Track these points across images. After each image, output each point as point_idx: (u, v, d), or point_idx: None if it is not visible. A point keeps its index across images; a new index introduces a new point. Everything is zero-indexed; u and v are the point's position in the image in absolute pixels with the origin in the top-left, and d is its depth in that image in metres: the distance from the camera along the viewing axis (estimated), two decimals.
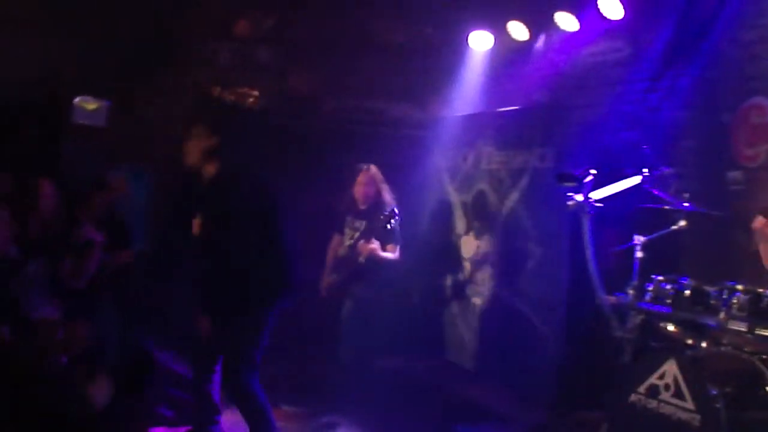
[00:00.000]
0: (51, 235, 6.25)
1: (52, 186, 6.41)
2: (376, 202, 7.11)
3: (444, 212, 8.44)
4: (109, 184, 6.97)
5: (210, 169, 5.39)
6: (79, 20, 8.19)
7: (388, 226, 6.89)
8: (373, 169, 7.20)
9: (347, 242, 7.16)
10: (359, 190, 7.17)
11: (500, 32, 8.13)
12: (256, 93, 9.14)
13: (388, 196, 7.17)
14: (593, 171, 5.37)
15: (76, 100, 8.39)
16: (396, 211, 6.97)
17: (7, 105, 7.81)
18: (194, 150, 5.41)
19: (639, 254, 5.46)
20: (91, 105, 8.40)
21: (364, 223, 7.07)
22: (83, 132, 8.37)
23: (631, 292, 5.38)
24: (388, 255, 7.04)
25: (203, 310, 5.43)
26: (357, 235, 7.07)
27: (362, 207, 7.16)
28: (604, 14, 6.96)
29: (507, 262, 7.46)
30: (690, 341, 5.00)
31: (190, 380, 5.90)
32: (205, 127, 5.42)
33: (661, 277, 5.25)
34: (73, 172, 7.61)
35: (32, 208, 6.19)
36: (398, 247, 7.10)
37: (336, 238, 7.34)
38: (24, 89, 7.81)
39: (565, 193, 5.50)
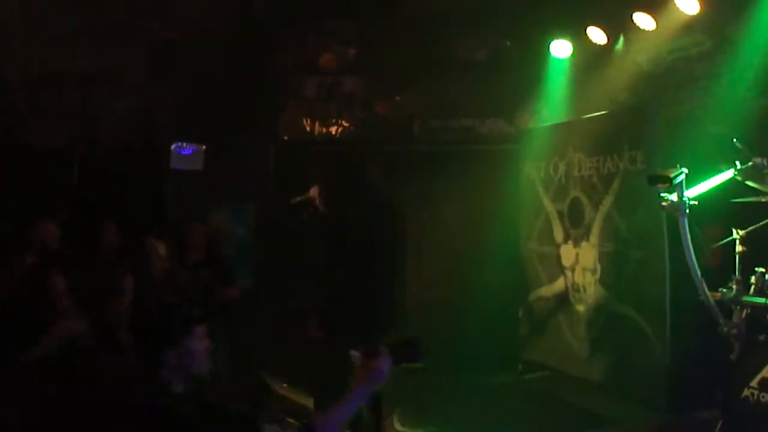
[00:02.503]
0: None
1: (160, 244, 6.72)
2: None
3: (541, 223, 8.45)
4: (212, 224, 7.24)
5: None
6: (173, 69, 8.53)
7: None
8: None
9: None
10: None
11: (580, 38, 8.14)
12: (345, 123, 9.33)
13: None
14: (685, 169, 5.34)
15: (174, 146, 8.70)
16: None
17: (109, 155, 8.18)
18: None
19: (739, 248, 5.40)
20: (188, 150, 8.70)
21: None
22: (182, 176, 8.67)
23: (734, 287, 5.33)
24: None
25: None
26: None
27: None
28: (682, 10, 6.92)
29: (607, 267, 7.43)
30: None
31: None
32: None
33: (763, 269, 5.19)
34: (176, 216, 7.91)
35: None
36: None
37: None
38: (124, 138, 8.17)
39: (659, 193, 5.49)
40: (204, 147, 8.87)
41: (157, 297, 6.39)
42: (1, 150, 8.81)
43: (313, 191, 5.92)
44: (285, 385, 7.06)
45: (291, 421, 5.29)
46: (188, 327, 3.93)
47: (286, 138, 9.33)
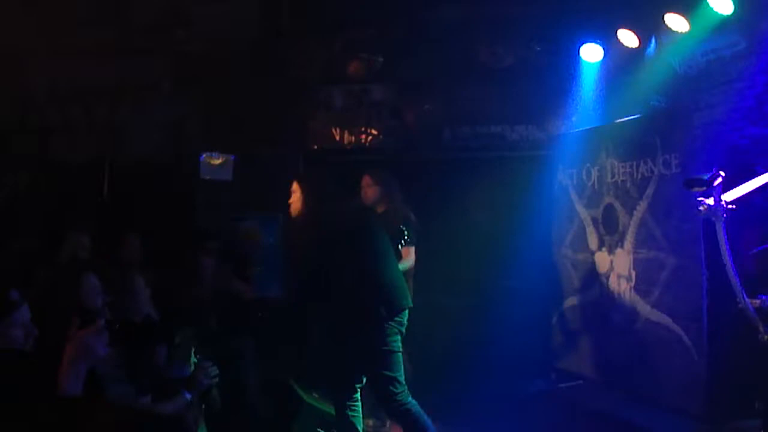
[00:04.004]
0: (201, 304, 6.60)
1: (210, 260, 6.77)
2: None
3: (575, 229, 8.35)
4: (242, 233, 7.23)
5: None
6: (200, 80, 8.55)
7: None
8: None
9: None
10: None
11: (610, 42, 8.03)
12: (374, 132, 9.29)
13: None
14: (722, 172, 5.23)
15: (203, 156, 8.70)
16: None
17: (138, 167, 8.20)
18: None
19: None
20: (217, 160, 8.69)
21: None
22: (212, 186, 8.68)
23: None
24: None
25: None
26: None
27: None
28: (715, 10, 6.79)
29: (642, 274, 7.30)
30: None
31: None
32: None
33: None
34: (206, 227, 7.91)
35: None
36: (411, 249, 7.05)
37: None
38: (153, 150, 8.19)
39: (695, 197, 5.38)
40: (233, 157, 8.86)
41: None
42: (32, 165, 8.87)
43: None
44: (315, 395, 7.02)
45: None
46: None
47: (315, 147, 9.31)
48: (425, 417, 5.74)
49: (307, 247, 6.09)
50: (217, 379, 5.10)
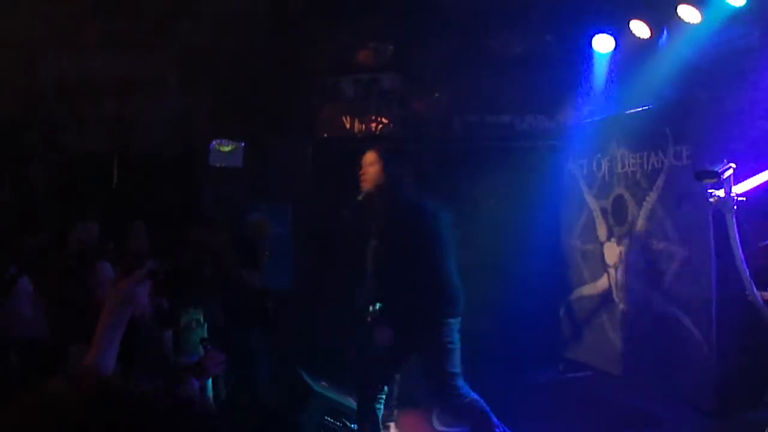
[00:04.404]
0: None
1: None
2: None
3: (584, 220, 8.34)
4: (251, 224, 7.23)
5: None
6: (209, 71, 8.54)
7: None
8: None
9: None
10: None
11: (622, 33, 8.00)
12: (384, 120, 9.27)
13: None
14: (733, 164, 5.23)
15: (212, 144, 8.70)
16: None
17: (147, 159, 8.21)
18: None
19: None
20: (227, 147, 8.68)
21: None
22: (221, 175, 8.68)
23: None
24: None
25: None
26: None
27: None
28: (728, 1, 6.76)
29: (651, 265, 7.29)
30: None
31: (355, 408, 6.19)
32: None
33: None
34: (214, 216, 7.92)
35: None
36: None
37: None
38: (162, 142, 8.20)
39: (706, 189, 5.37)
40: (243, 144, 8.85)
41: None
42: (42, 158, 8.90)
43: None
44: (324, 383, 7.04)
45: None
46: None
47: (325, 135, 9.30)
48: (488, 409, 5.88)
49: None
50: (224, 366, 5.10)
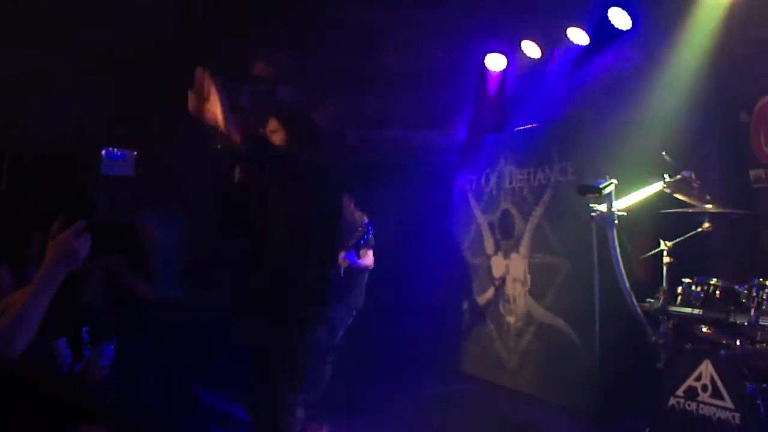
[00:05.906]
0: None
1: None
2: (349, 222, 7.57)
3: (473, 234, 8.50)
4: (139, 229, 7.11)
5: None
6: (106, 73, 8.39)
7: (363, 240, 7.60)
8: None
9: None
10: None
11: (514, 52, 8.22)
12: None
13: (357, 214, 7.73)
14: (614, 181, 5.43)
15: (105, 151, 8.55)
16: (369, 225, 7.68)
17: (38, 160, 8.01)
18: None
19: (666, 259, 5.50)
20: (119, 156, 8.56)
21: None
22: (113, 182, 8.54)
23: (661, 297, 5.42)
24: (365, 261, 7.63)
25: None
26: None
27: None
28: (615, 26, 7.04)
29: (537, 278, 7.50)
30: (724, 341, 5.01)
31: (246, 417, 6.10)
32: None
33: (689, 280, 5.28)
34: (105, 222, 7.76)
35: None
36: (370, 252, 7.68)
37: None
38: (53, 143, 8.01)
39: (588, 204, 5.57)
40: (135, 153, 8.72)
41: None
42: None
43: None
44: (220, 395, 6.97)
45: None
46: None
47: (219, 146, 9.21)
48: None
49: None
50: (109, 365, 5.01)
